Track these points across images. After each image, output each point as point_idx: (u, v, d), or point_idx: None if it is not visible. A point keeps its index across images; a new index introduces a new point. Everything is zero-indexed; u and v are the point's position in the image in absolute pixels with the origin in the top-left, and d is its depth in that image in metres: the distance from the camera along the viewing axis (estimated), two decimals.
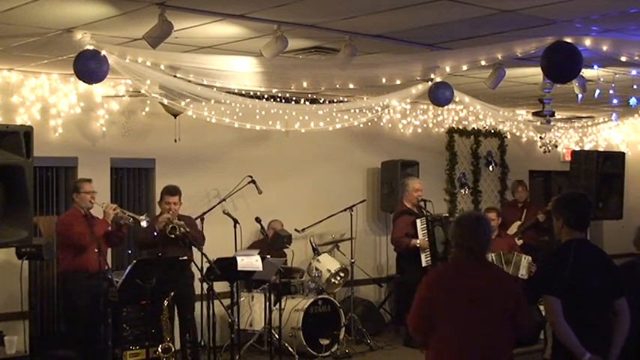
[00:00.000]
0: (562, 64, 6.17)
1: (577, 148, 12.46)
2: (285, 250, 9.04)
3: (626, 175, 9.76)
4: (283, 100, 9.20)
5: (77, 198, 7.30)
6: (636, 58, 6.57)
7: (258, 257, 7.56)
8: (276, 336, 8.10)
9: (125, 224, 7.42)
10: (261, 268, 7.57)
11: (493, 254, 9.03)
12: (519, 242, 9.87)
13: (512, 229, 10.28)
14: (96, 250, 7.15)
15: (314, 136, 9.45)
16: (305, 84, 7.35)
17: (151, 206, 8.71)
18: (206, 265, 7.32)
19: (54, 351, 7.39)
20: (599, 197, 9.10)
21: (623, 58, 6.61)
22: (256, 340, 8.64)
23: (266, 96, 8.70)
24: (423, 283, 4.33)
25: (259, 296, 8.56)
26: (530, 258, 9.06)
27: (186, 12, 5.55)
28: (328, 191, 10.14)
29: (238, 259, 7.45)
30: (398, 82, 7.52)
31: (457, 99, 8.67)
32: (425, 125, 11.27)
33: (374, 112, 9.18)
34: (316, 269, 9.10)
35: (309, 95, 9.47)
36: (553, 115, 9.91)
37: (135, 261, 6.96)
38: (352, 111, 9.16)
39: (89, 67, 6.01)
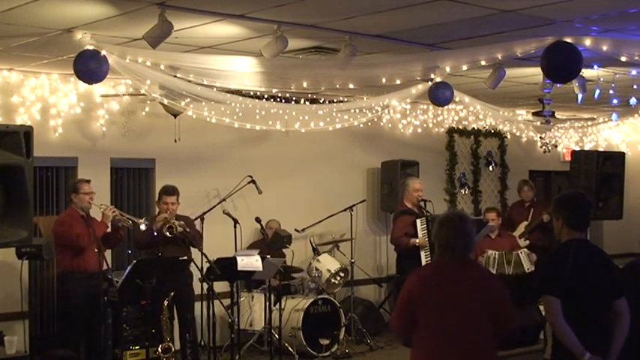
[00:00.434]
0: (562, 64, 6.17)
1: (577, 148, 12.46)
2: (284, 250, 9.04)
3: (626, 175, 9.77)
4: (283, 100, 9.20)
5: (76, 198, 7.28)
6: (636, 58, 6.57)
7: (258, 257, 7.56)
8: (276, 336, 8.10)
9: (123, 226, 7.41)
10: (261, 268, 7.57)
11: (496, 253, 9.05)
12: (526, 243, 9.85)
13: (520, 229, 10.25)
14: (96, 251, 7.14)
15: (314, 136, 9.45)
16: (305, 84, 7.35)
17: (151, 206, 8.71)
18: (206, 265, 7.32)
19: (54, 351, 7.38)
20: (599, 197, 9.11)
21: (623, 58, 6.61)
22: (256, 340, 8.64)
23: (266, 96, 8.70)
24: (407, 283, 4.30)
25: (259, 296, 8.56)
26: (526, 250, 9.08)
27: (186, 12, 5.55)
28: (328, 191, 10.14)
29: (238, 259, 7.46)
30: (398, 82, 7.52)
31: (457, 99, 8.66)
32: (425, 125, 11.28)
33: (374, 112, 9.18)
34: (316, 269, 9.10)
35: (309, 95, 9.47)
36: (553, 115, 9.91)
37: (135, 261, 6.96)
38: (352, 111, 9.16)
39: (89, 67, 6.01)
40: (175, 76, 6.72)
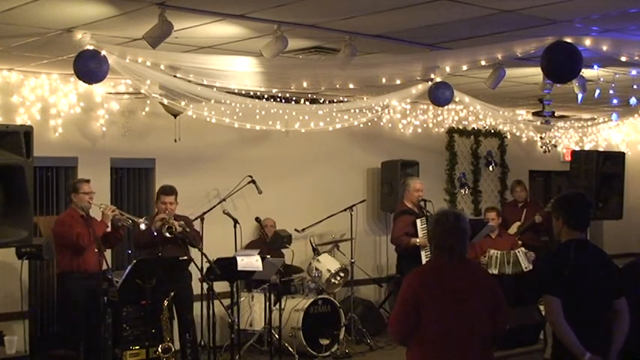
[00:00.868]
0: (562, 64, 6.17)
1: (577, 148, 12.46)
2: (284, 250, 9.05)
3: (626, 175, 9.77)
4: (283, 100, 9.20)
5: (75, 198, 7.27)
6: (636, 58, 6.57)
7: (258, 257, 7.56)
8: (276, 336, 8.10)
9: (123, 226, 7.41)
10: (261, 268, 7.57)
11: (498, 253, 9.06)
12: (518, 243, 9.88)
13: (512, 229, 10.29)
14: (96, 251, 7.14)
15: (314, 136, 9.45)
16: (305, 84, 7.35)
17: (151, 206, 8.70)
18: (206, 265, 7.32)
19: (54, 351, 7.39)
20: (599, 197, 9.11)
21: (623, 58, 6.61)
22: (256, 340, 8.64)
23: (266, 96, 8.70)
24: (406, 284, 4.28)
25: (259, 296, 8.56)
26: (523, 248, 9.10)
27: (186, 12, 5.55)
28: (328, 191, 10.14)
29: (238, 259, 7.45)
30: (398, 82, 7.52)
31: (457, 99, 8.67)
32: (425, 125, 11.28)
33: (374, 112, 9.18)
34: (316, 269, 9.10)
35: (309, 95, 9.47)
36: (553, 115, 9.91)
37: (135, 261, 6.95)
38: (352, 111, 9.16)
39: (89, 67, 6.01)
40: (175, 76, 6.72)
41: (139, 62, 6.33)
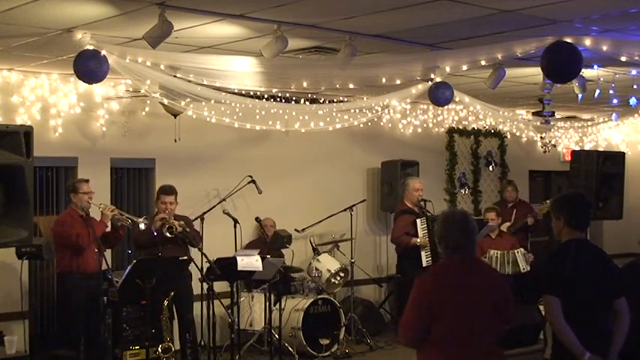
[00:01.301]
0: (562, 64, 6.17)
1: (577, 148, 12.46)
2: (284, 250, 9.04)
3: (626, 175, 9.76)
4: (283, 100, 9.20)
5: (75, 198, 7.25)
6: (636, 58, 6.57)
7: (258, 257, 7.56)
8: (276, 336, 8.10)
9: (122, 226, 7.40)
10: (261, 268, 7.57)
11: (498, 253, 9.06)
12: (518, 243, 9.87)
13: (502, 229, 10.27)
14: (96, 251, 7.14)
15: (314, 136, 9.45)
16: (305, 84, 7.35)
17: (151, 206, 8.70)
18: (206, 265, 7.32)
19: (54, 351, 7.39)
20: (599, 197, 9.10)
21: (623, 58, 6.61)
22: (256, 340, 8.64)
23: (266, 96, 8.70)
24: (418, 286, 4.27)
25: (259, 296, 8.56)
26: (522, 249, 9.09)
27: (186, 12, 5.55)
28: (328, 191, 10.14)
29: (238, 259, 7.45)
30: (398, 82, 7.52)
31: (457, 99, 8.67)
32: (425, 125, 11.28)
33: (374, 112, 9.18)
34: (316, 269, 9.10)
35: (309, 95, 9.47)
36: (553, 115, 9.92)
37: (135, 261, 6.95)
38: (352, 111, 9.17)
39: (89, 67, 6.01)
40: (175, 76, 6.72)
41: (139, 62, 6.33)
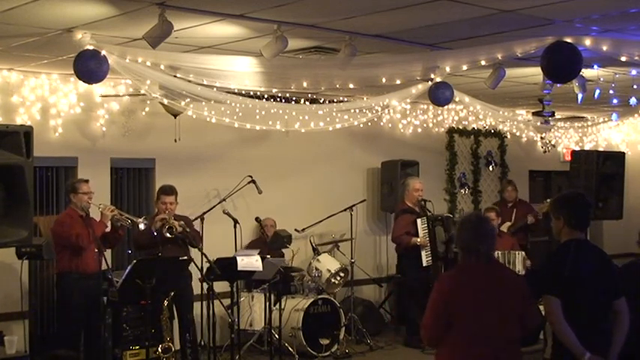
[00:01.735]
0: (562, 64, 6.17)
1: (577, 148, 12.46)
2: (284, 250, 9.04)
3: (626, 175, 9.76)
4: (283, 100, 9.20)
5: (74, 198, 7.24)
6: (636, 58, 6.57)
7: (258, 257, 7.56)
8: (276, 336, 8.10)
9: (122, 226, 7.40)
10: (261, 268, 7.57)
11: (498, 253, 9.06)
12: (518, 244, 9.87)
13: (502, 229, 10.27)
14: (96, 251, 7.13)
15: (314, 136, 9.45)
16: (305, 84, 7.35)
17: (151, 206, 8.70)
18: (206, 265, 7.32)
19: (54, 351, 7.38)
20: (599, 197, 9.10)
21: (623, 58, 6.61)
22: (256, 340, 8.64)
23: (266, 96, 8.70)
24: (436, 289, 4.32)
25: (259, 296, 8.56)
26: (523, 253, 9.08)
27: (186, 12, 5.55)
28: (328, 191, 10.14)
29: (238, 259, 7.45)
30: (398, 82, 7.52)
31: (457, 99, 8.67)
32: (425, 125, 11.28)
33: (374, 112, 9.18)
34: (316, 269, 9.10)
35: (309, 95, 9.47)
36: (553, 115, 9.92)
37: (135, 261, 6.95)
38: (352, 111, 9.16)
39: (89, 67, 6.01)
40: (175, 76, 6.72)
41: (139, 62, 6.33)
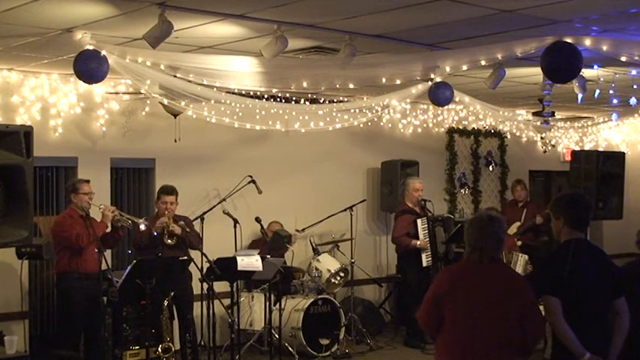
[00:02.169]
0: (562, 64, 6.17)
1: (577, 148, 12.46)
2: (284, 250, 9.04)
3: (626, 175, 9.76)
4: (283, 100, 9.21)
5: (75, 199, 7.23)
6: (636, 58, 6.56)
7: (258, 257, 7.56)
8: (276, 336, 8.10)
9: (122, 226, 7.39)
10: (261, 268, 7.57)
11: None
12: (518, 243, 9.86)
13: (512, 229, 10.27)
14: (96, 251, 7.13)
15: (314, 136, 9.46)
16: (305, 84, 7.35)
17: (151, 206, 8.71)
18: (206, 265, 7.32)
19: (54, 351, 7.39)
20: (599, 197, 9.09)
21: (623, 58, 6.61)
22: (256, 340, 8.64)
23: (266, 96, 8.70)
24: (435, 281, 4.38)
25: (259, 296, 8.56)
26: (526, 257, 9.05)
27: (186, 12, 5.55)
28: (328, 191, 10.14)
29: (238, 259, 7.45)
30: (398, 82, 7.52)
31: (457, 99, 8.67)
32: (425, 125, 11.28)
33: (374, 112, 9.18)
34: (316, 269, 9.10)
35: (309, 95, 9.47)
36: (553, 115, 9.92)
37: (135, 261, 6.95)
38: (352, 111, 9.17)
39: (89, 67, 6.01)
40: (175, 76, 6.72)
41: (139, 62, 6.33)
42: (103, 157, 8.47)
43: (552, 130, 11.30)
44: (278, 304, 8.09)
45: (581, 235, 4.61)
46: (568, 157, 11.42)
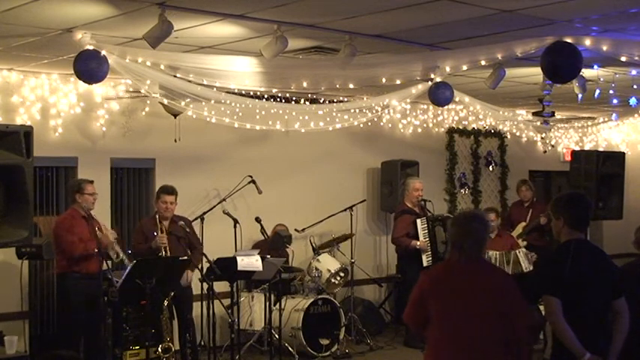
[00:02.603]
0: (562, 64, 6.17)
1: (577, 148, 12.46)
2: (284, 250, 9.04)
3: (626, 175, 9.77)
4: (283, 100, 9.21)
5: (80, 199, 7.21)
6: (636, 58, 6.56)
7: (258, 257, 7.56)
8: (276, 336, 8.10)
9: (108, 255, 7.19)
10: (261, 268, 7.57)
11: (497, 253, 9.05)
12: (523, 243, 9.84)
13: (518, 229, 10.26)
14: (96, 250, 7.12)
15: (314, 136, 9.46)
16: (305, 84, 7.35)
17: (151, 206, 8.71)
18: (206, 265, 7.32)
19: (54, 351, 7.38)
20: (599, 197, 9.10)
21: (623, 58, 6.60)
22: (256, 340, 8.64)
23: (266, 96, 8.70)
24: (420, 280, 4.38)
25: (259, 296, 8.56)
26: (524, 249, 9.06)
27: (186, 12, 5.55)
28: (328, 191, 10.14)
29: (238, 259, 7.45)
30: (398, 82, 7.52)
31: (457, 99, 8.66)
32: (425, 125, 11.28)
33: (374, 112, 9.18)
34: (316, 269, 9.10)
35: (309, 95, 9.47)
36: (553, 115, 9.92)
37: (135, 261, 6.95)
38: (352, 111, 9.16)
39: (89, 67, 6.01)
40: (175, 76, 6.72)
41: (139, 62, 6.33)
42: (103, 157, 8.47)
43: (552, 130, 11.29)
44: (278, 304, 8.09)
45: (581, 235, 4.61)
46: (568, 157, 11.42)
